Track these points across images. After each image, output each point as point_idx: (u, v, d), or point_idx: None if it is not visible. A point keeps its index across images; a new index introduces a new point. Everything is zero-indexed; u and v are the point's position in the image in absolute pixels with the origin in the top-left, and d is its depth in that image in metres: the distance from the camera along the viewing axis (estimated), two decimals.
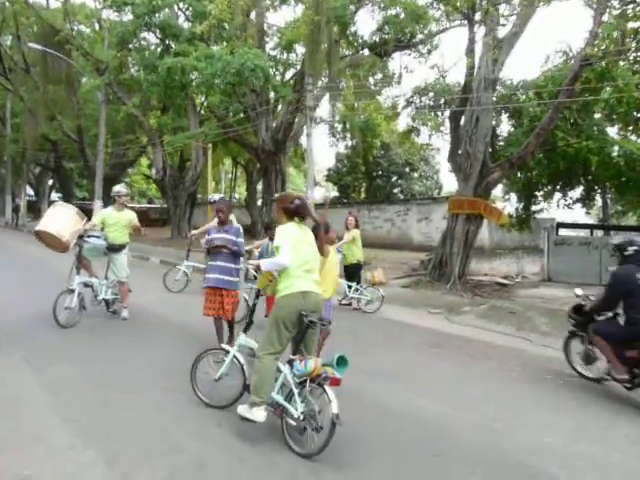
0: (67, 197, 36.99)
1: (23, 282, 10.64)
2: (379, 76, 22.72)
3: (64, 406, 4.52)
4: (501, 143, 15.80)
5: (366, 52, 21.30)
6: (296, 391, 3.91)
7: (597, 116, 14.90)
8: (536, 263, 17.89)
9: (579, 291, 6.28)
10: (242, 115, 20.52)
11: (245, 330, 4.50)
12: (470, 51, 13.66)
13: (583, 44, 11.56)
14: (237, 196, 44.41)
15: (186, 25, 20.99)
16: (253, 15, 20.60)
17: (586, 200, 17.75)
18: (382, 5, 19.55)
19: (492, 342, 7.79)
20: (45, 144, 33.21)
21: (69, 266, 7.42)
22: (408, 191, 33.45)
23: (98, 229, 7.71)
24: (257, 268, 4.24)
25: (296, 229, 4.19)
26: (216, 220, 6.33)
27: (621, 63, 12.94)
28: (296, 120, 21.29)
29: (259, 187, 30.48)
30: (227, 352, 4.52)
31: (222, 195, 11.59)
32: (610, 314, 5.68)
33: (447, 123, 15.76)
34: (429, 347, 7.49)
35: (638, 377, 5.21)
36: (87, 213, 8.88)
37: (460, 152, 14.01)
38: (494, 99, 14.01)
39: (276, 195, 8.27)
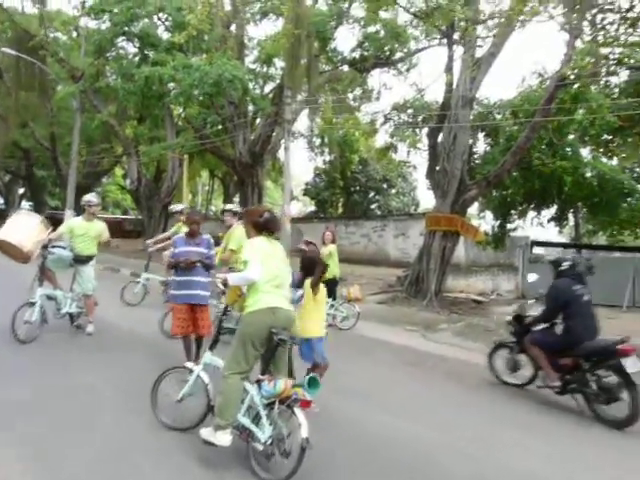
0: (39, 206, 36.08)
1: None
2: (358, 92, 22.80)
3: (7, 429, 4.20)
4: (478, 161, 15.94)
5: (346, 68, 21.39)
6: (264, 413, 3.69)
7: (571, 137, 15.16)
8: (511, 281, 18.00)
9: (533, 277, 7.13)
10: (220, 127, 20.31)
11: (211, 348, 4.28)
12: (449, 69, 13.78)
13: (558, 66, 11.77)
14: (214, 209, 43.98)
15: (166, 35, 20.81)
16: (233, 27, 20.53)
17: (560, 219, 18.00)
18: (362, 22, 19.69)
19: (468, 360, 7.67)
20: (16, 151, 32.41)
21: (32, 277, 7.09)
22: (385, 207, 33.55)
23: (66, 239, 7.39)
24: (224, 282, 4.03)
25: (265, 243, 4.04)
26: (174, 230, 6.04)
27: (593, 88, 13.21)
28: (274, 133, 21.18)
29: (236, 200, 30.21)
30: (191, 371, 4.27)
31: (186, 205, 11.25)
32: (547, 325, 6.01)
33: (425, 140, 15.84)
34: (405, 365, 7.34)
35: (569, 383, 5.61)
36: (59, 222, 8.47)
37: (438, 169, 14.04)
38: (471, 117, 14.12)
39: (231, 207, 8.07)
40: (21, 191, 41.51)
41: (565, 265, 5.90)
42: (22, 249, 6.56)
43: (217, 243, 6.76)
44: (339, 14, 18.85)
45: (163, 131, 23.11)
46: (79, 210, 9.07)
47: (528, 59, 38.26)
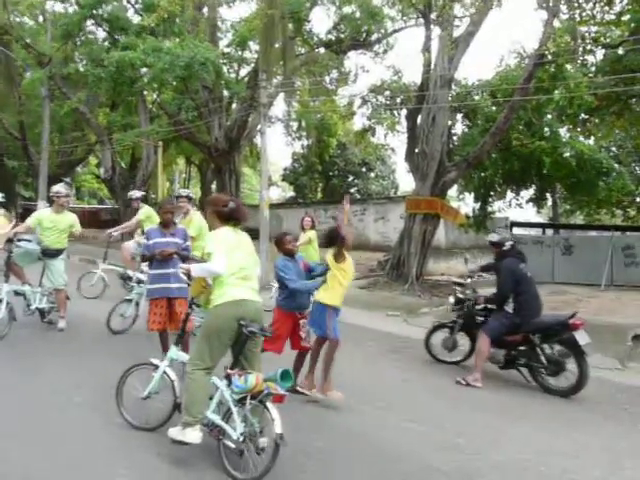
0: (11, 197, 35.13)
1: None
2: (335, 74, 22.47)
3: None
4: (457, 143, 15.83)
5: (322, 50, 21.03)
6: (235, 409, 3.53)
7: (549, 117, 15.11)
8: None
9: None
10: (195, 113, 19.85)
11: (177, 343, 4.10)
12: (426, 49, 13.58)
13: (537, 45, 11.65)
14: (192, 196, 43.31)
15: (137, 19, 20.15)
16: (206, 10, 19.98)
17: (538, 199, 18.05)
18: (337, 3, 19.32)
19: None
20: None
21: None
22: (365, 191, 33.40)
23: (37, 232, 7.05)
24: (188, 274, 3.84)
25: (231, 234, 3.85)
26: (133, 218, 5.71)
27: (569, 66, 13.14)
28: (250, 118, 20.78)
29: (214, 187, 29.76)
30: (157, 367, 4.08)
31: (143, 193, 10.82)
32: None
33: (404, 122, 15.67)
34: (388, 353, 7.24)
35: (517, 358, 5.95)
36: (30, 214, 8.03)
37: (417, 151, 13.90)
38: (450, 98, 13.97)
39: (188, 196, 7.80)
40: None
41: (508, 245, 6.21)
42: None
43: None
44: None
45: (137, 118, 22.50)
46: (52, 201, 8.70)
47: (506, 39, 38.24)
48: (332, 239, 5.13)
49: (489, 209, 16.40)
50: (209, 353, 3.67)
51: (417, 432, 4.50)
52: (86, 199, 48.94)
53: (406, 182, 52.59)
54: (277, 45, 15.84)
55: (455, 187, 16.69)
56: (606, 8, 13.37)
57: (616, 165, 16.71)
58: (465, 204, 19.03)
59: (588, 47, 13.49)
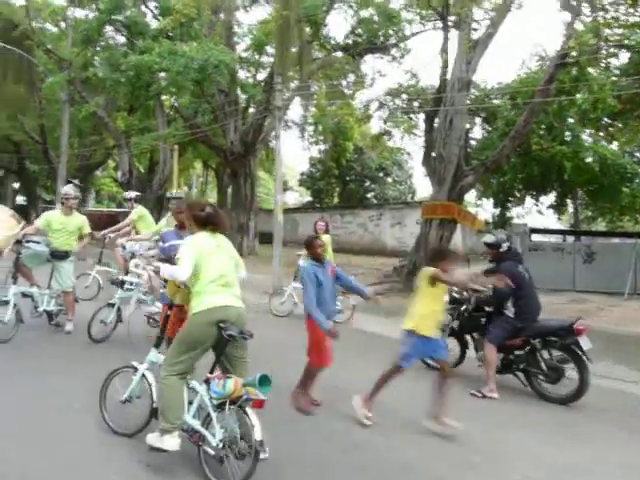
0: (33, 199, 35.74)
1: None
2: (352, 78, 22.35)
3: None
4: (475, 147, 15.57)
5: (339, 54, 20.92)
6: (214, 415, 3.42)
7: (571, 121, 14.78)
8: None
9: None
10: (211, 116, 19.85)
11: (157, 345, 4.00)
12: (444, 51, 13.36)
13: (559, 47, 11.37)
14: (211, 200, 43.52)
15: (155, 24, 20.30)
16: (222, 14, 20.00)
17: (559, 206, 17.67)
18: (355, 6, 19.20)
19: (468, 356, 7.33)
20: (7, 145, 31.90)
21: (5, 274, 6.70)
22: (382, 196, 33.17)
23: (46, 233, 6.99)
24: (157, 271, 3.77)
25: (208, 239, 3.76)
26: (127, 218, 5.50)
27: (592, 70, 12.82)
28: (266, 122, 20.74)
29: (229, 191, 29.77)
30: (137, 370, 3.98)
31: (138, 193, 10.70)
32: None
33: (421, 126, 15.47)
34: None
35: (515, 363, 5.72)
36: None
37: (434, 155, 13.67)
38: (468, 101, 13.73)
39: (170, 198, 7.55)
40: (16, 186, 40.98)
41: (505, 247, 5.92)
42: None
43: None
44: None
45: (154, 121, 22.63)
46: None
47: (527, 42, 37.72)
48: (437, 258, 4.82)
49: (508, 215, 16.08)
50: (184, 360, 3.57)
51: (421, 444, 4.29)
52: (105, 202, 49.41)
53: (423, 187, 52.16)
54: (293, 49, 15.77)
55: (473, 192, 16.42)
56: (631, 10, 13.03)
57: None
58: (484, 209, 18.72)
59: (612, 50, 13.15)
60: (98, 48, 22.43)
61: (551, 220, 23.87)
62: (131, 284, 6.75)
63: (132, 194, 9.61)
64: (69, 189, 7.25)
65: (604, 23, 12.80)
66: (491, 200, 16.15)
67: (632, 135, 15.61)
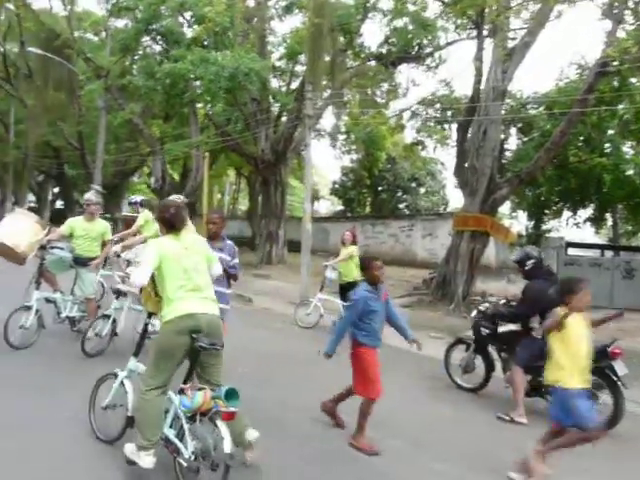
0: (70, 204, 36.69)
1: None
2: (385, 87, 22.16)
3: None
4: (510, 158, 15.17)
5: (372, 63, 20.79)
6: (187, 426, 3.36)
7: (611, 132, 14.26)
8: None
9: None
10: (243, 124, 19.95)
11: (136, 354, 3.92)
12: (478, 59, 13.05)
13: (599, 56, 10.96)
14: (243, 208, 43.89)
15: (190, 33, 20.61)
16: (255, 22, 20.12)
17: (597, 219, 17.06)
18: (389, 16, 19.04)
19: (497, 375, 7.01)
20: (47, 151, 32.87)
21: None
22: (414, 206, 32.75)
23: (69, 240, 6.99)
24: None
25: (173, 242, 3.64)
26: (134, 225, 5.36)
27: (634, 80, 12.34)
28: (298, 131, 20.72)
29: (260, 199, 29.92)
30: (117, 376, 3.94)
31: (143, 197, 10.56)
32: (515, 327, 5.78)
33: (454, 136, 15.16)
34: (426, 379, 6.76)
35: (542, 386, 5.23)
36: None
37: (467, 166, 13.35)
38: (503, 111, 13.37)
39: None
40: (56, 190, 42.16)
41: (529, 264, 5.64)
42: (16, 250, 6.18)
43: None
44: (365, 6, 18.21)
45: (188, 129, 22.93)
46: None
47: (566, 50, 36.85)
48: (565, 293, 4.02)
49: (543, 228, 15.58)
50: (160, 372, 3.48)
51: (448, 475, 4.04)
52: (140, 209, 50.27)
53: (456, 198, 51.42)
54: (326, 58, 15.70)
55: (508, 204, 15.99)
56: None
57: None
58: (518, 222, 18.21)
59: None
60: (135, 57, 22.92)
61: (588, 234, 23.09)
62: (125, 294, 6.29)
63: (137, 198, 9.51)
64: (91, 195, 7.28)
65: None
66: (526, 213, 15.68)
67: None
